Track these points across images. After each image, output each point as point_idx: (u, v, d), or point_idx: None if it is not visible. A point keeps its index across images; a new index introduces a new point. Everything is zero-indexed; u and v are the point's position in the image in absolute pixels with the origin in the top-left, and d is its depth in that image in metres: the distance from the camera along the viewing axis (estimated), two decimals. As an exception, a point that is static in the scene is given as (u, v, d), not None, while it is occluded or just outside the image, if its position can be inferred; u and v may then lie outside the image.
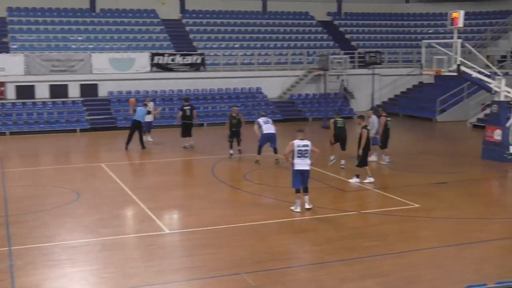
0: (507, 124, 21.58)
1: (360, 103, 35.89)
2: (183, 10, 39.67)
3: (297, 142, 14.61)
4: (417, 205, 15.36)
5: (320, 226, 13.76)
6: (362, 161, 17.63)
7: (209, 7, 40.25)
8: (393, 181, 18.67)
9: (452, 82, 33.31)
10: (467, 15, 32.30)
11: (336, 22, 42.82)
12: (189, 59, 34.08)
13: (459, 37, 21.41)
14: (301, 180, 14.65)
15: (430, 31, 42.45)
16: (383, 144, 20.61)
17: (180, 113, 23.97)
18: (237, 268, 11.03)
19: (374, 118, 20.47)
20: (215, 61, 35.83)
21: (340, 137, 20.00)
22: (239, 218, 14.33)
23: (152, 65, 33.39)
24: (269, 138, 20.48)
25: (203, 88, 33.90)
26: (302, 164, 14.56)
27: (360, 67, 37.14)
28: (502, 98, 21.56)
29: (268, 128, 20.43)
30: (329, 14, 43.28)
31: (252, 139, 21.07)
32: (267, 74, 35.62)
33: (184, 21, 39.23)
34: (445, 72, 21.48)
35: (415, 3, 45.02)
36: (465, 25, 23.84)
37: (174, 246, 12.82)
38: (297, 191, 14.72)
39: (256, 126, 20.68)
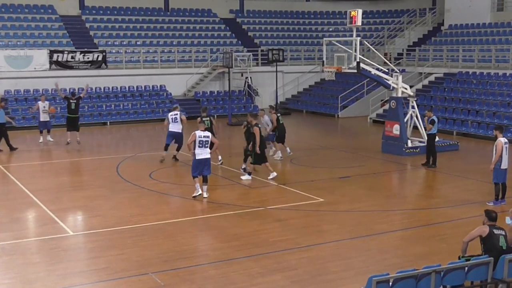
0: (405, 119, 22.46)
1: (265, 100, 36.27)
2: (82, 6, 38.55)
3: (198, 132, 15.33)
4: (321, 199, 15.68)
5: (227, 223, 13.79)
6: (260, 159, 17.84)
7: (109, 4, 39.29)
8: (298, 176, 18.96)
9: (353, 79, 34.34)
10: (365, 14, 33.28)
11: (238, 20, 43.00)
12: (90, 57, 33.16)
13: (358, 35, 21.96)
14: (202, 169, 15.38)
15: (331, 29, 43.43)
16: (281, 139, 21.06)
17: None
18: (144, 268, 10.86)
19: (266, 117, 21.20)
20: (117, 59, 35.09)
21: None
22: (145, 218, 14.12)
23: (51, 62, 32.29)
24: (174, 136, 20.46)
25: (105, 86, 33.17)
26: (202, 153, 15.29)
27: (263, 64, 37.48)
28: (399, 94, 22.36)
29: (174, 126, 20.41)
30: (231, 11, 43.39)
31: (160, 137, 20.81)
32: (171, 72, 35.28)
33: (84, 17, 38.15)
34: (345, 69, 22.00)
35: (315, 1, 45.89)
36: (363, 24, 24.56)
37: (78, 248, 12.45)
38: (195, 177, 15.53)
39: (166, 122, 20.76)
